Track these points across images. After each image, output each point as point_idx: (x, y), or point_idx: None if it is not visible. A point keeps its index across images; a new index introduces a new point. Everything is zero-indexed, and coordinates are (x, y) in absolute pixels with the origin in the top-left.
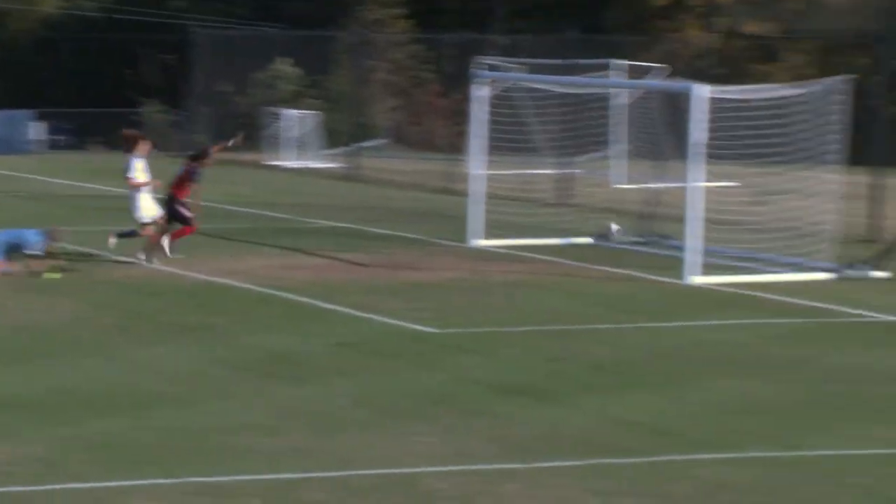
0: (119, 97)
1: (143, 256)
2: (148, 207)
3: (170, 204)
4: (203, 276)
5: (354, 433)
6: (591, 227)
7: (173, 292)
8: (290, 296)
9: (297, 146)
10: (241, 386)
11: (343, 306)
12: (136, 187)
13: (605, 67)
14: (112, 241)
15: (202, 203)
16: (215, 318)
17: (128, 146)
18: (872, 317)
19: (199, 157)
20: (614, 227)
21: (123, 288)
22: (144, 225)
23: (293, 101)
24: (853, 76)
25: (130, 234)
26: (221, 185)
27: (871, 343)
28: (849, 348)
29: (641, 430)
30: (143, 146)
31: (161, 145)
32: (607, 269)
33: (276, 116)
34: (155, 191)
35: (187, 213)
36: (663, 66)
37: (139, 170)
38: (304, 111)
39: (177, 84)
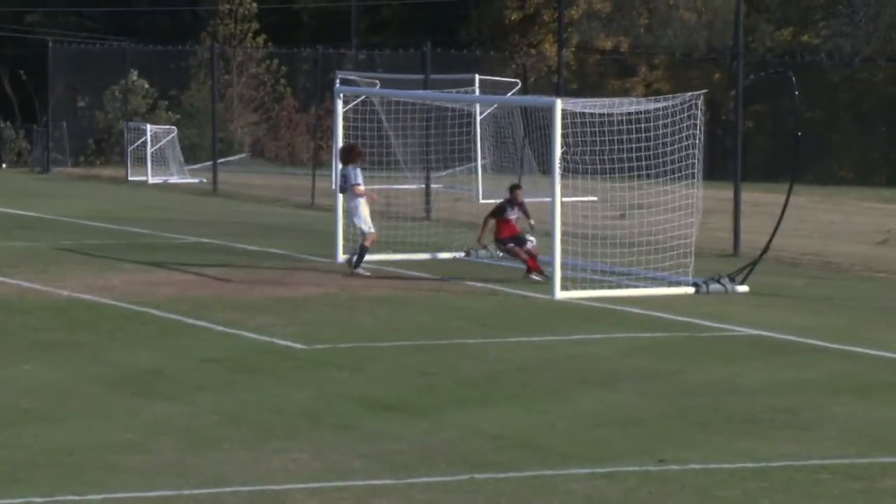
0: None
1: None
2: (368, 216)
3: None
4: (68, 293)
5: (225, 450)
6: (456, 241)
7: (39, 309)
8: (157, 312)
9: (158, 161)
10: (111, 403)
11: (210, 322)
12: (362, 195)
13: (467, 83)
14: (361, 271)
15: (62, 218)
16: (82, 334)
17: (347, 157)
18: (734, 331)
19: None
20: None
21: None
22: (367, 234)
23: (150, 115)
24: (708, 91)
25: (362, 252)
26: (82, 200)
27: (733, 357)
28: (712, 362)
29: (512, 445)
30: (362, 157)
31: (16, 161)
32: (474, 283)
33: (136, 131)
34: (372, 202)
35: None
36: (515, 80)
37: (361, 179)
38: (163, 126)
39: (32, 99)
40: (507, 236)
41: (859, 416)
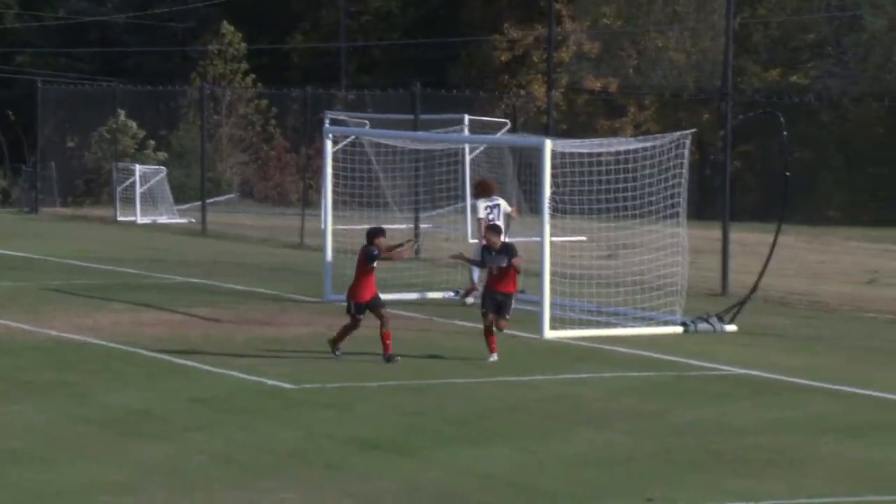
0: None
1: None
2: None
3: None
4: (56, 333)
5: (214, 490)
6: (445, 281)
7: (27, 349)
8: (146, 352)
9: (146, 201)
10: (100, 444)
11: (199, 362)
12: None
13: (456, 122)
14: (469, 300)
15: (50, 258)
16: (71, 374)
17: (483, 191)
18: (722, 370)
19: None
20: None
21: None
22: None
23: (139, 155)
24: (696, 131)
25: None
26: (70, 240)
27: (721, 396)
28: (700, 401)
29: (500, 484)
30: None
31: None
32: (464, 323)
33: (125, 171)
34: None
35: None
36: (504, 120)
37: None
38: (151, 166)
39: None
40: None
41: (846, 456)
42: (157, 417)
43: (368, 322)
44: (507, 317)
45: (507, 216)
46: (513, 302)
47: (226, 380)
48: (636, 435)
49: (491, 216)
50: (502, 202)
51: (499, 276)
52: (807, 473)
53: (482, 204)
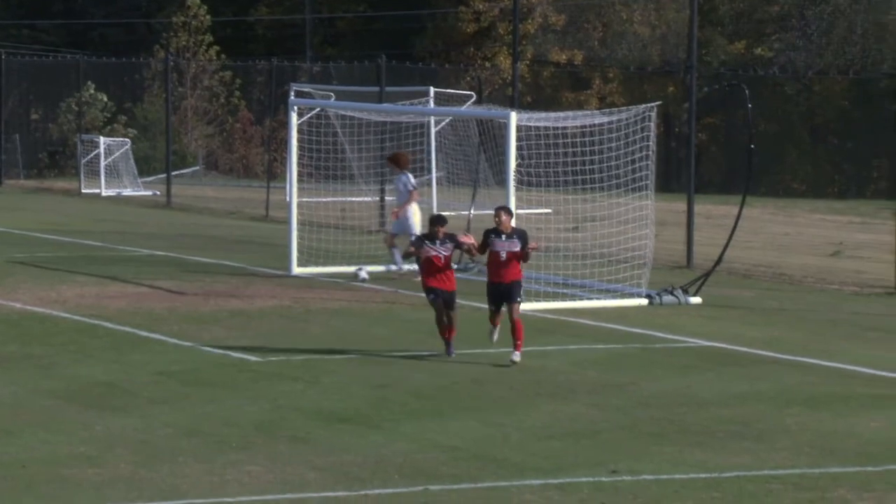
0: None
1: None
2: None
3: None
4: (20, 306)
5: (179, 463)
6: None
7: None
8: (110, 325)
9: (111, 174)
10: (65, 416)
11: (164, 335)
12: (416, 200)
13: (422, 95)
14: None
15: (14, 231)
16: (36, 347)
17: (400, 163)
18: (687, 342)
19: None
20: (363, 273)
21: None
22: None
23: (104, 128)
24: (661, 103)
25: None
26: (34, 213)
27: (686, 368)
28: (665, 373)
29: (466, 457)
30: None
31: None
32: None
33: (89, 144)
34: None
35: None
36: (470, 93)
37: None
38: (116, 139)
39: None
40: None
41: (811, 427)
42: (122, 390)
43: (331, 295)
44: (519, 299)
45: (410, 192)
46: (521, 287)
47: (191, 352)
48: (601, 407)
49: (400, 189)
50: (410, 178)
51: (507, 262)
52: (772, 445)
53: (411, 177)
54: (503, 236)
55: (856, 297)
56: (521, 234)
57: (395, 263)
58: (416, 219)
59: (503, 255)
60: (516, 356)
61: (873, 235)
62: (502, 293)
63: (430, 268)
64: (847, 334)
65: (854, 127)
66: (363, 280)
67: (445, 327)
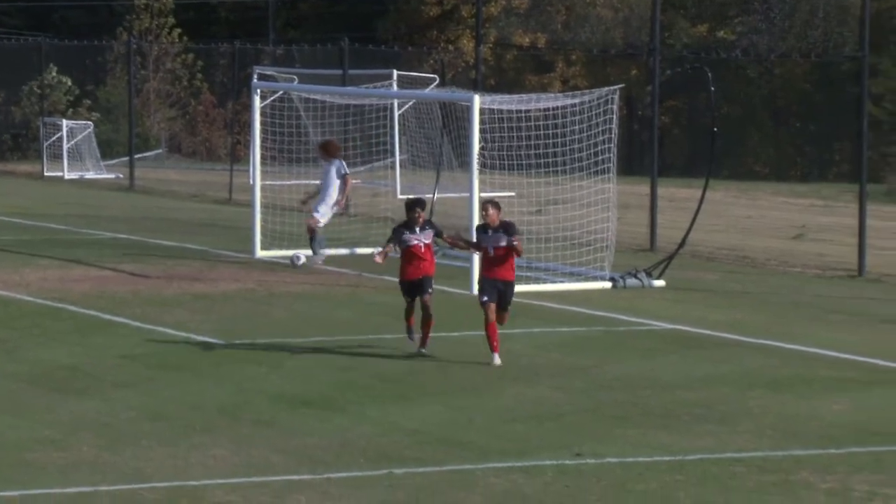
0: None
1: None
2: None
3: None
4: None
5: (143, 446)
6: (375, 237)
7: None
8: (74, 308)
9: (73, 157)
10: (28, 400)
11: (128, 318)
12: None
13: (385, 78)
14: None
15: None
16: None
17: (332, 152)
18: (651, 325)
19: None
20: (300, 257)
21: None
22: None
23: (67, 111)
24: (624, 86)
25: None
26: None
27: (650, 351)
28: (629, 356)
29: (430, 440)
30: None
31: None
32: (393, 279)
33: (52, 127)
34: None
35: None
36: (433, 76)
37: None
38: (79, 121)
39: None
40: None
41: (774, 410)
42: (86, 374)
43: (295, 278)
44: (509, 308)
45: (344, 179)
46: (514, 290)
47: (155, 336)
48: (565, 390)
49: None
50: (343, 164)
51: (497, 259)
52: (735, 428)
53: (343, 164)
54: (490, 231)
55: (818, 279)
56: (506, 227)
57: (315, 252)
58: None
59: (491, 250)
60: (496, 359)
61: (835, 218)
62: (498, 292)
63: (409, 257)
64: (810, 317)
65: (816, 110)
66: (296, 262)
67: (422, 321)
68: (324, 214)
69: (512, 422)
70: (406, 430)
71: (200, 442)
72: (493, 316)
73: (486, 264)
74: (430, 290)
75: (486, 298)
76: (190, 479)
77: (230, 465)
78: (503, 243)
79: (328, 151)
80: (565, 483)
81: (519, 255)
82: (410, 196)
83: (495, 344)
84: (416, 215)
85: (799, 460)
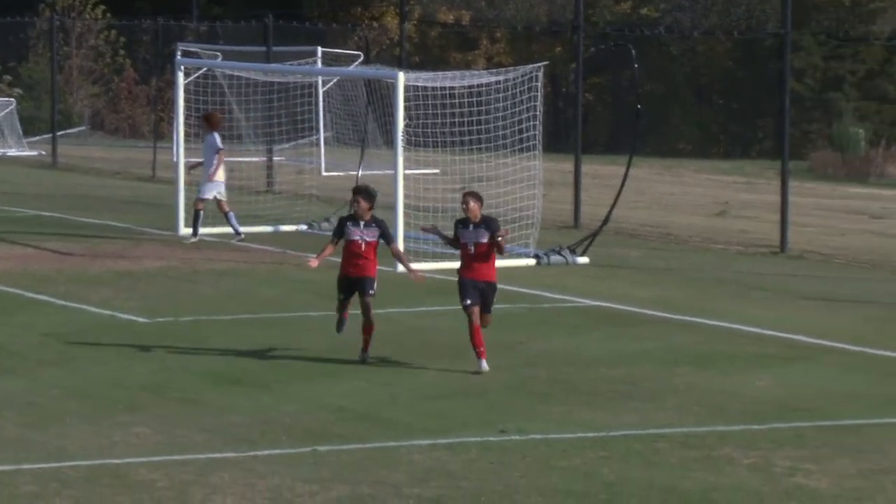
0: None
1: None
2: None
3: None
4: None
5: (66, 424)
6: (299, 214)
7: None
8: None
9: None
10: None
11: (51, 296)
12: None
13: (309, 55)
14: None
15: None
16: None
17: (213, 124)
18: (575, 302)
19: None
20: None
21: None
22: (204, 199)
23: None
24: (549, 63)
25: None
26: None
27: (574, 328)
28: (553, 333)
29: (354, 417)
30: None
31: None
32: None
33: None
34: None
35: None
36: (357, 53)
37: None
38: (0, 98)
39: None
40: None
41: (698, 386)
42: (9, 352)
43: (220, 256)
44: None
45: (217, 152)
46: (496, 291)
47: (79, 314)
48: (491, 367)
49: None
50: (218, 138)
51: (478, 256)
52: (659, 405)
53: (218, 137)
54: (471, 226)
55: (741, 256)
56: (489, 223)
57: (233, 229)
58: (220, 177)
59: (471, 247)
60: (483, 365)
61: (758, 195)
62: (481, 292)
63: (349, 254)
64: (733, 293)
65: (739, 87)
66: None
67: (363, 326)
68: (208, 191)
69: (436, 399)
70: (330, 408)
71: (124, 420)
72: (477, 320)
73: (466, 263)
74: (370, 292)
75: (468, 302)
76: (113, 457)
77: (153, 443)
78: (485, 239)
79: (210, 123)
80: (490, 460)
81: (502, 253)
82: (360, 184)
83: (482, 350)
84: (360, 207)
85: (722, 436)
